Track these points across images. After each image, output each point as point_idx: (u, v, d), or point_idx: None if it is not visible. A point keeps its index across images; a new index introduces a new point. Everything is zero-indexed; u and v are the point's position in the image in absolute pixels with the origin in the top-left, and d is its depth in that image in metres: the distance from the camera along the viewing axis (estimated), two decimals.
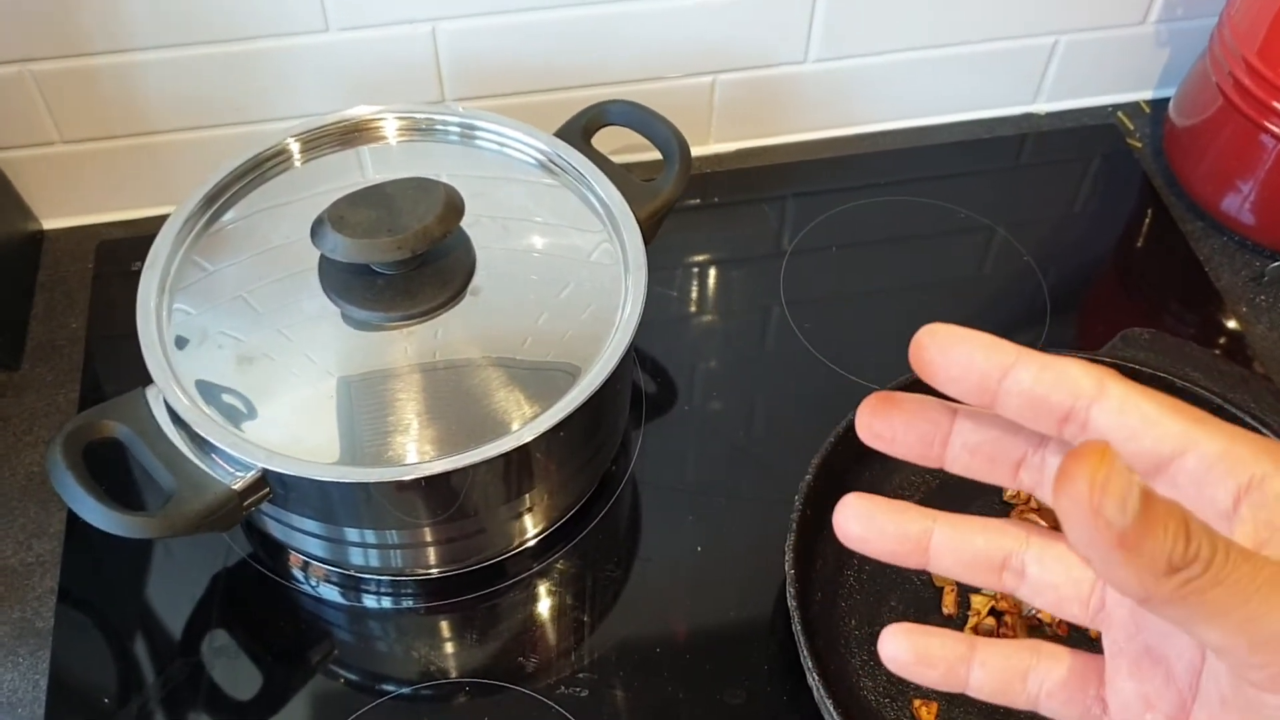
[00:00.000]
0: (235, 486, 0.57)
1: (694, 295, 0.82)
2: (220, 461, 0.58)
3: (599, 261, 0.65)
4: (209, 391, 0.59)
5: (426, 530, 0.65)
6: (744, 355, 0.79)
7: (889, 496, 0.60)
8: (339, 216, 0.57)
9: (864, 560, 0.67)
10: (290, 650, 0.67)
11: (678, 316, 0.81)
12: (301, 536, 0.66)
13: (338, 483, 0.57)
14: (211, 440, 0.57)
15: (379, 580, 0.69)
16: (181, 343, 0.61)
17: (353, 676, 0.65)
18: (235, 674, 0.65)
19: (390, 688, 0.65)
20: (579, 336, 0.62)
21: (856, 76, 0.88)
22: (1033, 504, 0.69)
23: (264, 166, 0.69)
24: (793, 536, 0.62)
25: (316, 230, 0.58)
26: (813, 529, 0.64)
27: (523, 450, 0.59)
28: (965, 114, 0.93)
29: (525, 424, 0.58)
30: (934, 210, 0.88)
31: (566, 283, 0.65)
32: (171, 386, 0.59)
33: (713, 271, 0.84)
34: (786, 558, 0.61)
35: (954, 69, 0.90)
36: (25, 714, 0.62)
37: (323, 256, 0.59)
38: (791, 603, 0.60)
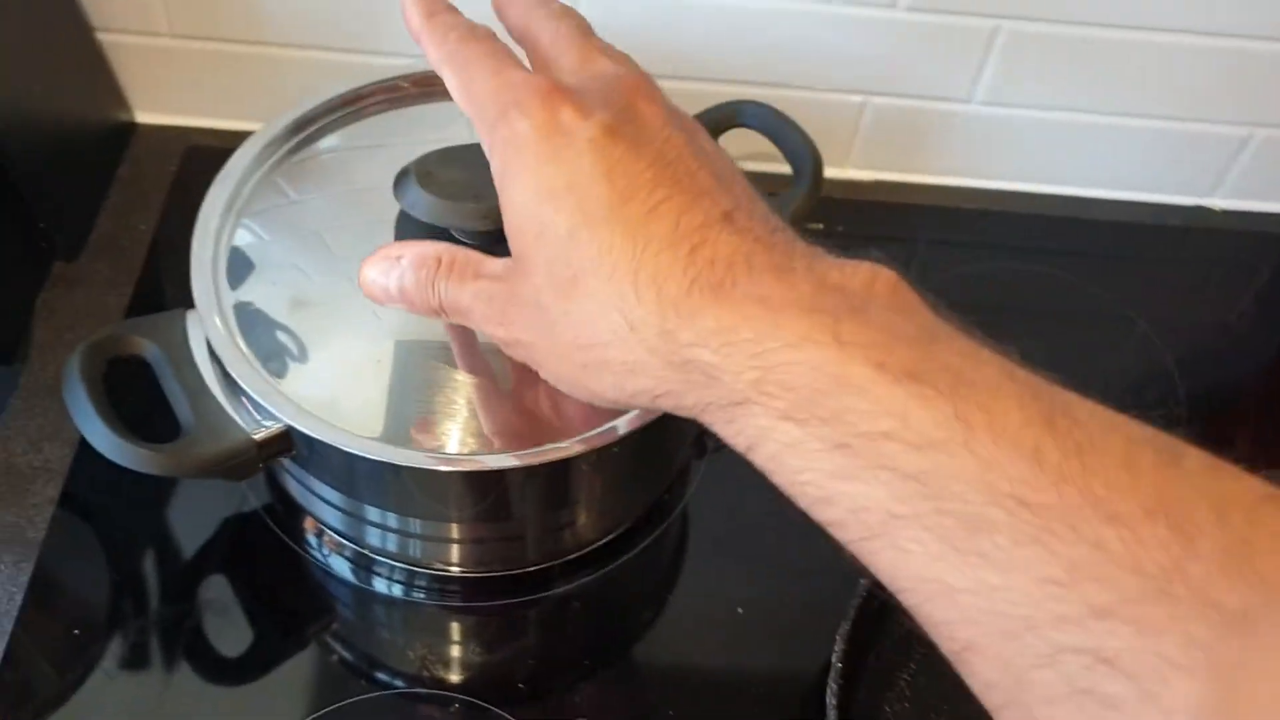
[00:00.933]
0: (256, 437, 0.52)
1: None
2: (247, 406, 0.53)
3: None
4: (254, 322, 0.54)
5: (453, 527, 0.59)
6: None
7: None
8: (426, 172, 0.51)
9: (923, 663, 0.59)
10: (287, 615, 0.62)
11: None
12: (319, 503, 0.60)
13: (365, 457, 0.52)
14: (241, 382, 0.52)
15: (393, 566, 0.63)
16: (239, 267, 0.56)
17: (346, 658, 0.60)
18: (225, 627, 0.60)
19: (381, 678, 0.59)
20: None
21: (1021, 129, 0.80)
22: None
23: (368, 100, 0.63)
24: (848, 624, 0.55)
25: (400, 181, 0.52)
26: (873, 619, 0.57)
27: (572, 462, 0.52)
28: (1131, 193, 0.84)
29: (580, 435, 0.52)
30: (1072, 287, 0.80)
31: None
32: (213, 315, 0.54)
33: None
34: (837, 647, 0.54)
35: (1129, 143, 0.81)
36: None
37: (402, 210, 0.53)
38: (831, 699, 0.53)
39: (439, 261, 0.40)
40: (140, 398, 0.53)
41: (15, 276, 0.69)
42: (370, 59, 0.76)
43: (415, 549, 0.62)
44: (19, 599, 0.59)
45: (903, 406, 0.30)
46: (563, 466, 0.53)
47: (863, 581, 0.56)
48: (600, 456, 0.53)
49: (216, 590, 0.61)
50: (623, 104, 0.37)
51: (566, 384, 0.38)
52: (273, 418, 0.52)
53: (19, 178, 0.66)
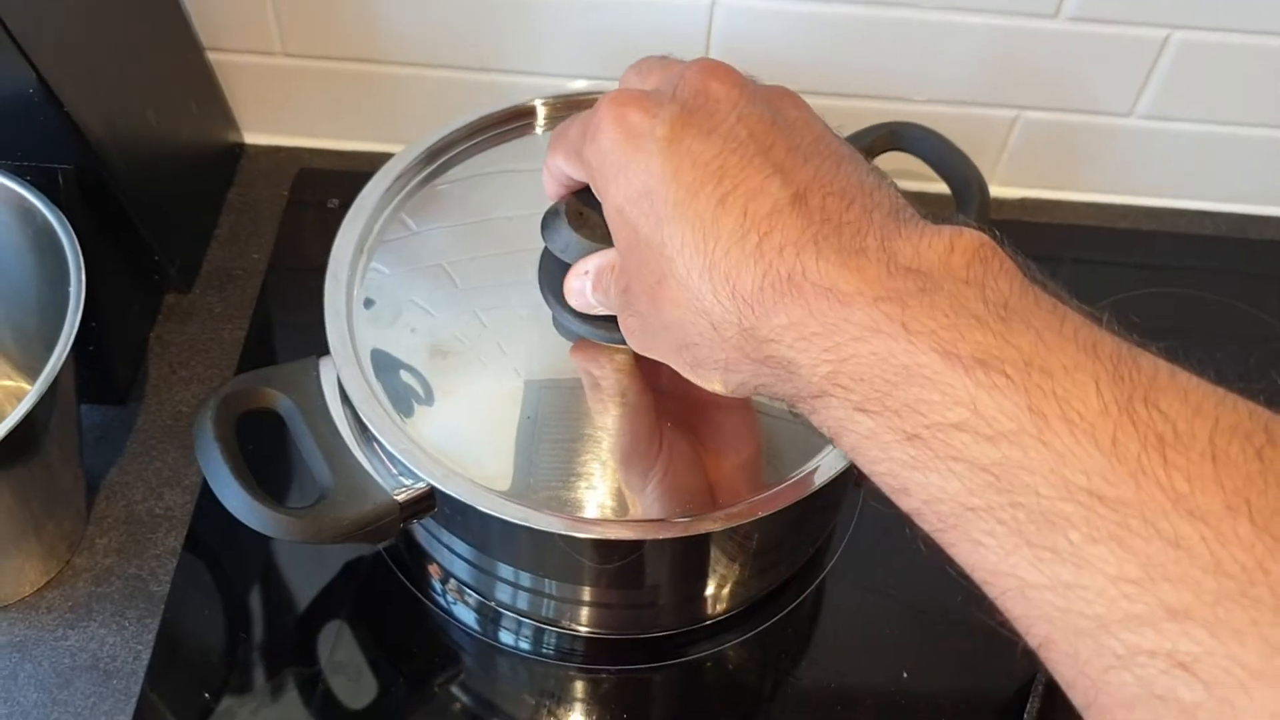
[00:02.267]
0: (399, 498, 0.49)
1: None
2: (385, 463, 0.50)
3: None
4: (383, 364, 0.51)
5: (587, 590, 0.56)
6: None
7: None
8: (577, 212, 0.47)
9: None
10: (410, 665, 0.58)
11: None
12: (448, 554, 0.57)
13: (511, 522, 0.48)
14: (384, 441, 0.48)
15: (520, 621, 0.60)
16: (368, 304, 0.53)
17: (470, 708, 0.57)
18: (349, 679, 0.57)
19: None
20: None
21: (1185, 143, 0.74)
22: None
23: (501, 126, 0.60)
24: (1036, 702, 0.50)
25: (549, 222, 0.48)
26: (1057, 691, 0.52)
27: (715, 535, 0.49)
28: None
29: (727, 506, 0.48)
30: (1237, 313, 0.74)
31: None
32: (350, 365, 0.51)
33: None
34: None
35: None
36: (120, 686, 0.55)
37: (546, 250, 0.49)
38: None
39: (611, 268, 0.41)
40: (254, 440, 0.51)
41: (129, 311, 0.67)
42: (492, 77, 0.73)
43: (548, 608, 0.58)
44: (145, 658, 0.56)
45: (972, 396, 0.29)
46: (704, 540, 0.49)
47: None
48: (754, 528, 0.49)
49: (340, 638, 0.59)
50: (693, 90, 0.36)
51: (693, 379, 0.38)
52: (414, 476, 0.49)
53: (133, 206, 0.63)
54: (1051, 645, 0.28)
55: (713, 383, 0.37)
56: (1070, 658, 0.27)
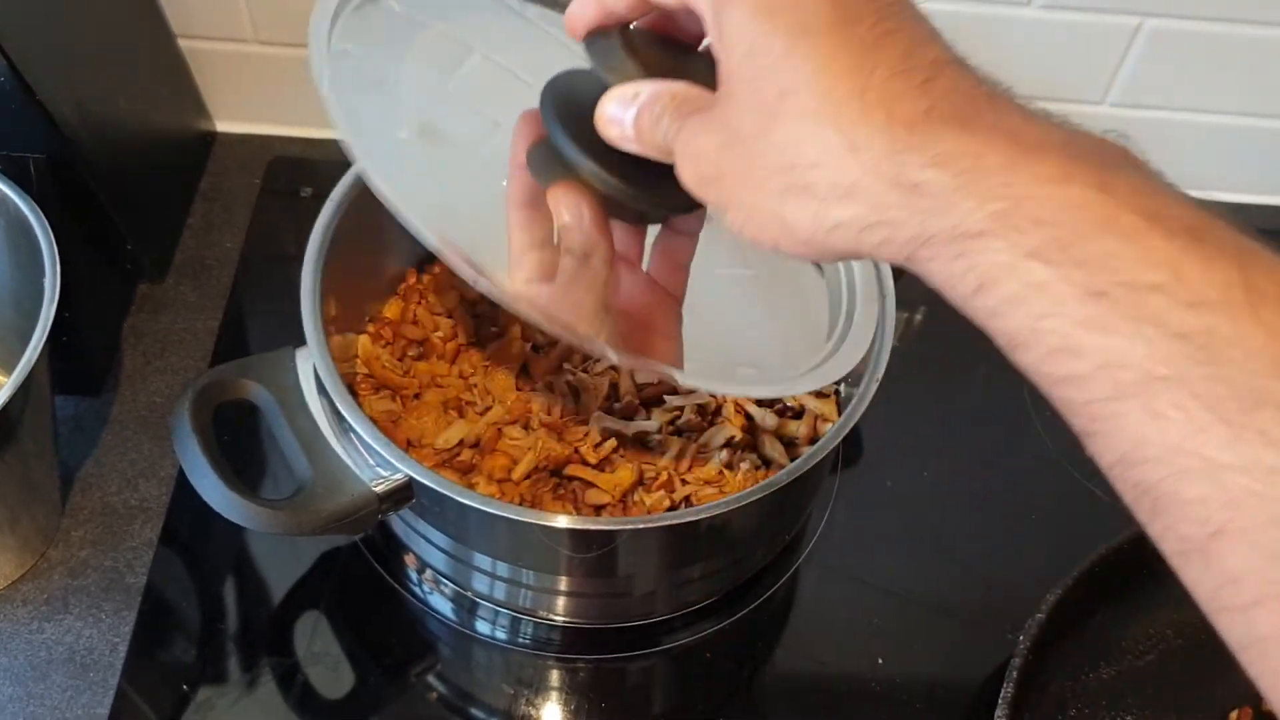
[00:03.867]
0: (377, 489, 0.49)
1: (927, 353, 0.70)
2: (364, 453, 0.50)
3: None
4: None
5: (564, 580, 0.56)
6: (977, 445, 0.68)
7: (1124, 649, 0.58)
8: (630, 43, 0.37)
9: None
10: (387, 656, 0.59)
11: (902, 374, 0.68)
12: (427, 545, 0.57)
13: (488, 512, 0.48)
14: (361, 432, 0.48)
15: (497, 610, 0.60)
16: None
17: (446, 698, 0.58)
18: (327, 669, 0.57)
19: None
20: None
21: (1152, 131, 0.75)
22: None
23: None
24: (1011, 688, 0.51)
25: (597, 43, 0.37)
26: (1031, 675, 0.53)
27: (698, 524, 0.49)
28: (1266, 197, 0.79)
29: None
30: None
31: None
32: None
33: (957, 331, 0.72)
34: (999, 715, 0.50)
35: (1266, 144, 0.76)
36: (97, 678, 0.55)
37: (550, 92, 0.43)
38: None
39: (672, 97, 0.36)
40: (229, 430, 0.50)
41: (102, 301, 0.66)
42: None
43: (525, 598, 0.58)
44: (122, 650, 0.56)
45: (1176, 260, 0.26)
46: (680, 530, 0.49)
47: (1023, 639, 0.52)
48: (730, 518, 0.49)
49: (317, 629, 0.59)
50: None
51: (759, 221, 0.33)
52: (392, 467, 0.49)
53: (106, 195, 0.63)
54: (1229, 534, 0.26)
55: (800, 215, 0.32)
56: (1250, 548, 0.26)
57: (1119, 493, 0.28)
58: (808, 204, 0.32)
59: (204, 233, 0.72)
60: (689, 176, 0.36)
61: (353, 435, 0.49)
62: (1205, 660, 0.57)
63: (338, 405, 0.49)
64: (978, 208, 0.28)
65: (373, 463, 0.49)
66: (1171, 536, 0.27)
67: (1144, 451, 0.27)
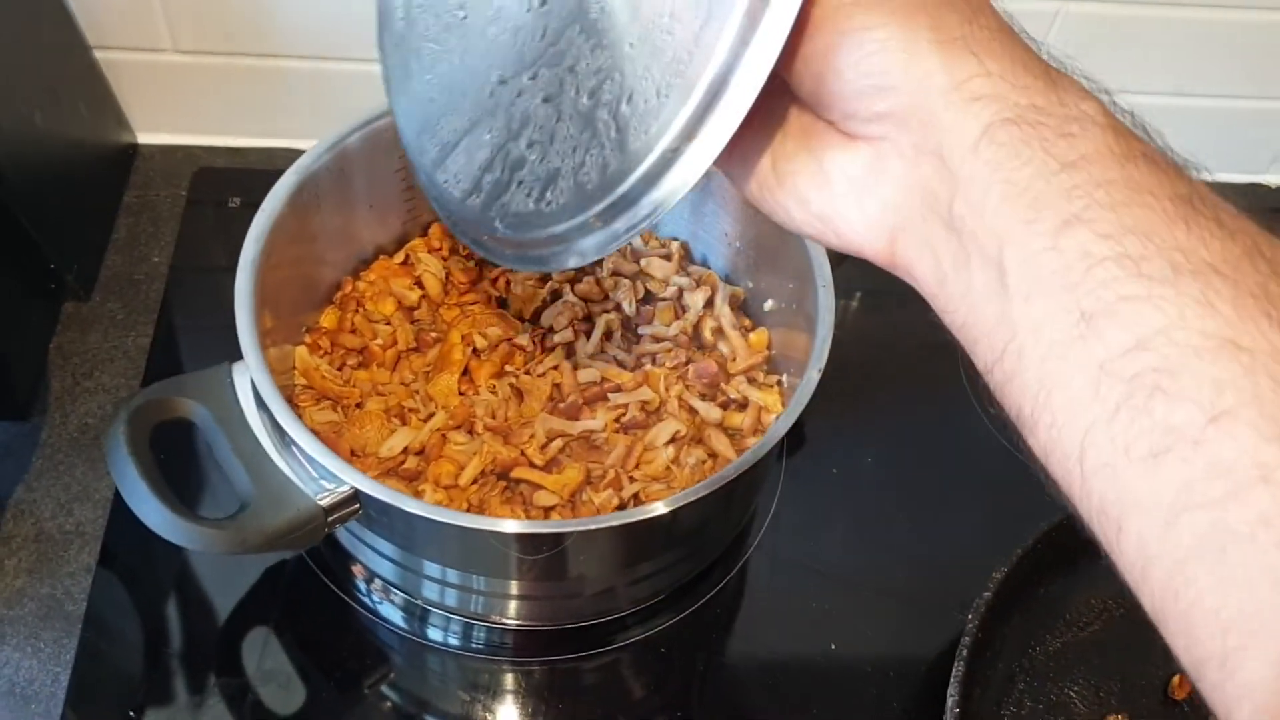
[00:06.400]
0: (322, 502, 0.48)
1: (865, 339, 0.71)
2: (307, 466, 0.49)
3: None
4: None
5: (514, 584, 0.56)
6: (918, 428, 0.68)
7: (1069, 621, 0.59)
8: None
9: (1025, 694, 0.57)
10: (338, 668, 0.58)
11: (842, 361, 0.68)
12: (374, 556, 0.57)
13: (435, 520, 0.48)
14: (303, 445, 0.48)
15: (449, 618, 0.59)
16: None
17: (400, 707, 0.57)
18: (278, 685, 0.56)
19: None
20: None
21: None
22: None
23: None
24: (962, 665, 0.52)
25: None
26: (980, 652, 0.54)
27: (645, 522, 0.49)
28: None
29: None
30: None
31: None
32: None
33: (894, 314, 0.72)
34: (951, 692, 0.51)
35: (1182, 121, 0.77)
36: (39, 710, 0.54)
37: None
38: None
39: None
40: (165, 448, 0.49)
41: (26, 322, 0.64)
42: None
43: (476, 603, 0.58)
44: (64, 679, 0.54)
45: None
46: (627, 529, 0.49)
47: (971, 618, 0.53)
48: (680, 514, 0.49)
49: (267, 646, 0.58)
50: None
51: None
52: (336, 479, 0.48)
53: (24, 212, 0.61)
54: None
55: (931, 61, 0.29)
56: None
57: None
58: (939, 40, 0.30)
59: (130, 248, 0.70)
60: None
61: (295, 449, 0.49)
62: (1148, 628, 0.59)
63: (278, 419, 0.48)
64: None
65: (316, 475, 0.49)
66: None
67: None
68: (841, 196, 0.32)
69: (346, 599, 0.59)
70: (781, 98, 0.33)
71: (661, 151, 0.33)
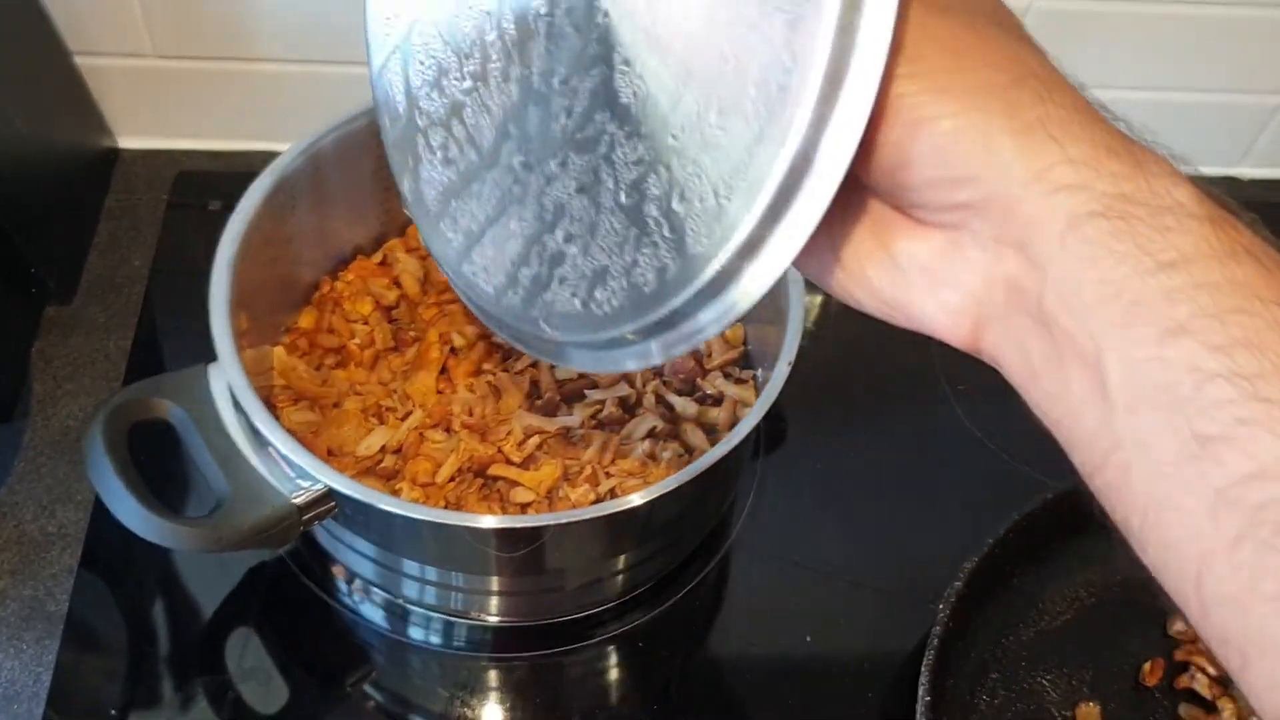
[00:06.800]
0: (297, 500, 0.49)
1: (843, 335, 0.72)
2: (282, 465, 0.49)
3: None
4: None
5: (495, 580, 0.56)
6: (895, 422, 0.69)
7: (1041, 611, 0.58)
8: None
9: (999, 683, 0.57)
10: (320, 668, 0.58)
11: (821, 357, 0.69)
12: (353, 555, 0.57)
13: (411, 517, 0.48)
14: (277, 444, 0.48)
15: (429, 615, 0.60)
16: None
17: (383, 706, 0.57)
18: (260, 685, 0.57)
19: None
20: None
21: None
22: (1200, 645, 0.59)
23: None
24: (933, 654, 0.52)
25: None
26: (952, 642, 0.54)
27: (623, 514, 0.49)
28: None
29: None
30: None
31: None
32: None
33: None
34: (922, 681, 0.52)
35: (1156, 115, 0.77)
36: (21, 711, 0.54)
37: None
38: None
39: None
40: (145, 449, 0.50)
41: (7, 326, 0.65)
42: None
43: (456, 600, 0.59)
44: (46, 680, 0.55)
45: None
46: (605, 522, 0.50)
47: (943, 608, 0.54)
48: (656, 505, 0.50)
49: (248, 646, 0.58)
50: None
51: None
52: (310, 478, 0.49)
53: (5, 218, 0.62)
54: None
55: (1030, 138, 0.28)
56: None
57: None
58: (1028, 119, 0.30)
59: (111, 251, 0.71)
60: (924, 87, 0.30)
61: (269, 448, 0.49)
62: (1119, 616, 0.60)
63: (252, 418, 0.49)
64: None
65: (292, 474, 0.49)
66: None
67: None
68: (914, 286, 0.31)
69: (328, 599, 0.60)
70: (845, 187, 0.31)
71: (728, 259, 0.30)
